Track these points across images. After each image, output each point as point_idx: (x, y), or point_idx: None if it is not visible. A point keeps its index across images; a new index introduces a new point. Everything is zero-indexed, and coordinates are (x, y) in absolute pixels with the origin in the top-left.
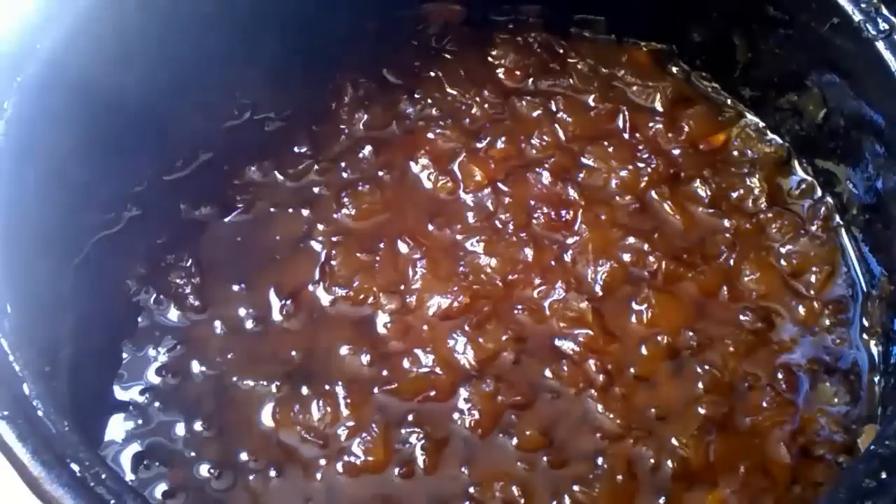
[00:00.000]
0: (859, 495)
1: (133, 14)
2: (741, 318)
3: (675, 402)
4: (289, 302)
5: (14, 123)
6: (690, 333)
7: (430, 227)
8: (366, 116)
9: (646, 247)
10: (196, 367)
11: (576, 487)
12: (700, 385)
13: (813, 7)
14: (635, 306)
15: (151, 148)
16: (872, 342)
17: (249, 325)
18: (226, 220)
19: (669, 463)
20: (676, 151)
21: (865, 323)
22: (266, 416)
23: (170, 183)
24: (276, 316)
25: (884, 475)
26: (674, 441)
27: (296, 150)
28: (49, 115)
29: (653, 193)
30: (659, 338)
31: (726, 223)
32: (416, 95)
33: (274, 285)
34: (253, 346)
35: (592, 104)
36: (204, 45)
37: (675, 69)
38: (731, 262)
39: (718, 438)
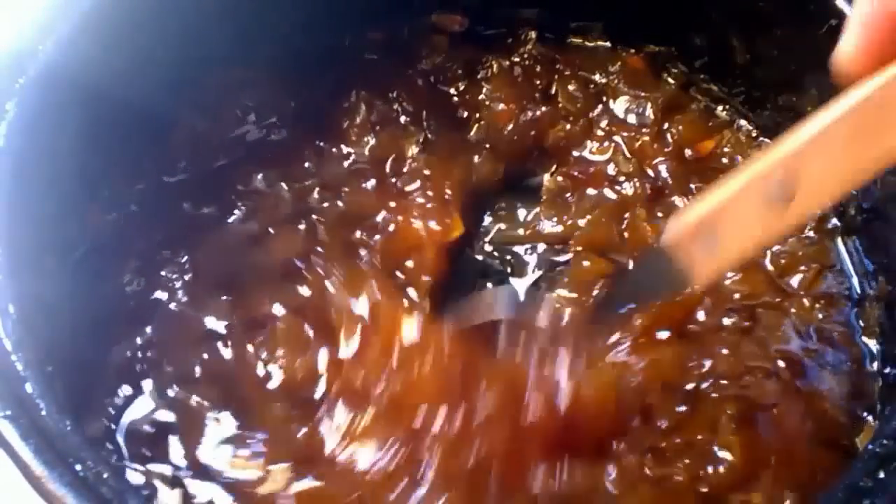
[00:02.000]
0: (857, 494)
1: (136, 16)
2: (729, 320)
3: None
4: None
5: (16, 125)
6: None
7: None
8: (373, 141)
9: None
10: None
11: None
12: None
13: (810, 9)
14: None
15: (153, 150)
16: (870, 342)
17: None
18: (226, 223)
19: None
20: (662, 165)
21: (863, 323)
22: None
23: (170, 185)
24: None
25: (881, 474)
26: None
27: (304, 165)
28: (51, 116)
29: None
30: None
31: None
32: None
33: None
34: None
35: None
36: (208, 48)
37: (674, 70)
38: None
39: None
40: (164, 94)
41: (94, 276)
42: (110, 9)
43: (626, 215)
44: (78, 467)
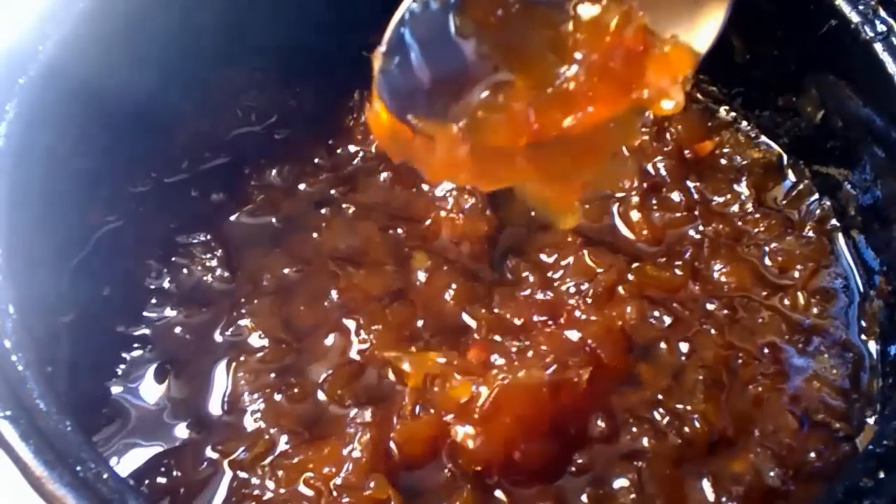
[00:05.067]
0: (857, 494)
1: (136, 17)
2: (713, 306)
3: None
4: None
5: (16, 125)
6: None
7: None
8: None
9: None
10: None
11: None
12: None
13: (811, 9)
14: None
15: (154, 150)
16: (871, 342)
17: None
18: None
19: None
20: (661, 163)
21: (864, 323)
22: None
23: (172, 185)
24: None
25: (881, 474)
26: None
27: (315, 161)
28: (51, 116)
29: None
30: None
31: (701, 227)
32: None
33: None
34: None
35: None
36: (209, 49)
37: None
38: (712, 261)
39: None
40: (164, 94)
41: (96, 278)
42: (110, 9)
43: (618, 204)
44: (78, 468)
